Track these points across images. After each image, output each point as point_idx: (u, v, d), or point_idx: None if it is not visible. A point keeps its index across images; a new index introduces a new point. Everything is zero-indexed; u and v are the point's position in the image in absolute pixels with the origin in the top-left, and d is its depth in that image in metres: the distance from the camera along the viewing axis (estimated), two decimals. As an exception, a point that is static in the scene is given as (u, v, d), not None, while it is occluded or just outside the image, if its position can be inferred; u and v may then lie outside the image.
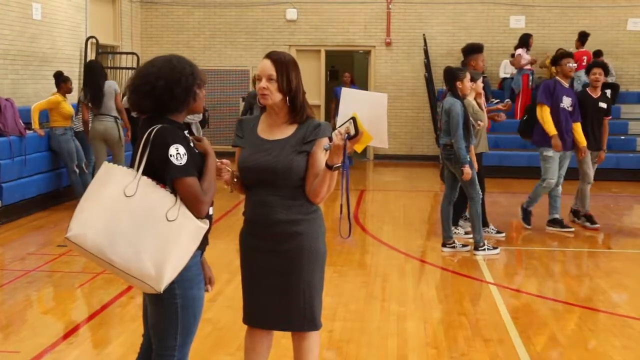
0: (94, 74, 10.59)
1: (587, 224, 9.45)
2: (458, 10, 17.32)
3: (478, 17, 17.29)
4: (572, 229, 9.27)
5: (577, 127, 9.13)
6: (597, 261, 8.14)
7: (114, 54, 16.05)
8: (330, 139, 3.64)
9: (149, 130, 3.18)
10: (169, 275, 3.10)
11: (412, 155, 17.38)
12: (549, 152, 8.98)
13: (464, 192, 8.15)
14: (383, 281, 7.08)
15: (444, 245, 8.23)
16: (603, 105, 9.46)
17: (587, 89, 9.68)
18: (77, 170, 10.59)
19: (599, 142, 9.43)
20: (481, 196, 8.11)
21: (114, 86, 10.72)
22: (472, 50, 9.30)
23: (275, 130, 3.74)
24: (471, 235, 8.28)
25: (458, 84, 7.93)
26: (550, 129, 8.91)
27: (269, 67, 3.69)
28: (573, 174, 9.52)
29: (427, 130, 17.12)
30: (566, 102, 9.05)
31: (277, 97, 3.68)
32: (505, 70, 16.31)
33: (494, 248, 8.15)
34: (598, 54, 16.26)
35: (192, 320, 3.34)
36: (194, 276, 3.33)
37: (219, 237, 9.04)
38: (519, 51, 15.31)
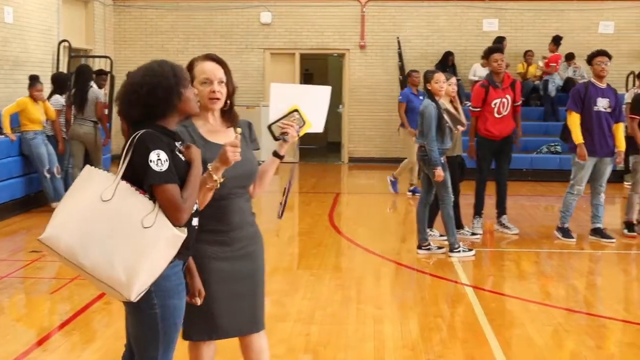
0: (81, 78, 10.78)
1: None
2: (432, 13, 17.41)
3: (452, 20, 17.38)
4: (614, 240, 8.93)
5: (618, 128, 8.75)
6: (571, 262, 8.19)
7: (86, 57, 15.92)
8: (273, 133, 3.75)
9: (133, 136, 3.12)
10: (141, 283, 3.01)
11: (387, 157, 17.37)
12: (582, 160, 8.68)
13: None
14: (359, 284, 7.07)
15: (419, 247, 8.25)
16: None
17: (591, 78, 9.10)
18: (49, 175, 10.50)
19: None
20: (453, 199, 8.13)
21: (97, 94, 10.87)
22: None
23: (222, 135, 3.62)
24: (446, 238, 8.30)
25: (428, 85, 8.00)
26: (577, 137, 8.60)
27: (218, 69, 3.59)
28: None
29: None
30: (602, 104, 8.67)
31: (223, 100, 3.60)
32: (476, 73, 16.39)
33: (469, 250, 8.17)
34: (570, 56, 16.44)
35: (172, 329, 3.27)
36: (174, 286, 3.23)
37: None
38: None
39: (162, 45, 17.65)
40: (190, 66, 3.59)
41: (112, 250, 3.00)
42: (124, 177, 3.09)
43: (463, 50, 17.14)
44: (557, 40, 16.28)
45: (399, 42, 17.09)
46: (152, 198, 3.09)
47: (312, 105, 3.86)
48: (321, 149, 20.12)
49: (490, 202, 9.40)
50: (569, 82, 16.37)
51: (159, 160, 3.08)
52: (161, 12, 17.70)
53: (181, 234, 3.10)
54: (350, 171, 16.85)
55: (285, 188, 4.13)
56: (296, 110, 3.75)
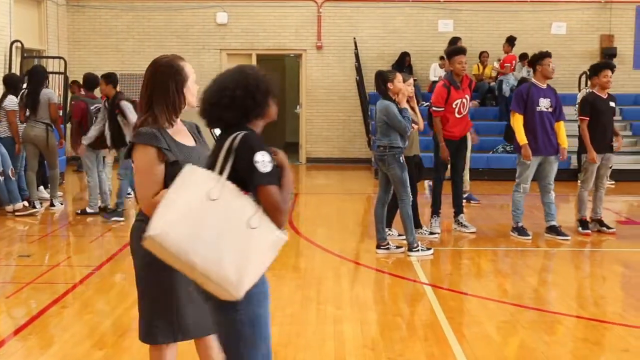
0: (34, 79, 10.64)
1: (603, 228, 9.43)
2: (388, 14, 17.50)
3: (407, 21, 17.50)
4: (569, 237, 9.05)
5: (559, 126, 8.93)
6: (527, 260, 8.29)
7: (39, 58, 15.70)
8: None
9: (233, 136, 3.15)
10: (249, 282, 3.05)
11: (344, 158, 17.47)
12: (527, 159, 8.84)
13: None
14: (318, 284, 7.08)
15: (378, 247, 8.29)
16: (612, 104, 9.31)
17: (594, 90, 9.37)
18: (1, 178, 10.31)
19: (611, 144, 9.25)
20: (412, 198, 8.20)
21: (50, 95, 10.68)
22: (539, 57, 9.02)
23: (184, 135, 3.66)
24: (404, 237, 8.35)
25: (389, 85, 8.02)
26: (521, 138, 8.73)
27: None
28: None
29: (359, 134, 17.23)
30: (544, 104, 8.85)
31: None
32: (435, 73, 16.54)
33: (428, 249, 8.24)
34: (524, 57, 16.64)
35: (257, 337, 3.26)
36: (259, 293, 3.22)
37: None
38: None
39: (116, 45, 17.48)
40: (179, 67, 3.62)
41: (221, 249, 3.00)
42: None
43: (419, 51, 17.27)
44: (511, 41, 16.50)
45: (355, 43, 17.14)
46: (255, 200, 3.10)
47: None
48: (279, 149, 20.09)
49: (447, 201, 9.49)
50: (523, 82, 16.59)
51: (263, 161, 3.10)
52: (116, 12, 17.52)
53: (284, 237, 3.13)
54: (309, 172, 16.86)
55: None
56: None
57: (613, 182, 13.94)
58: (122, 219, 9.99)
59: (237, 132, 3.17)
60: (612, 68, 9.35)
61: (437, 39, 16.92)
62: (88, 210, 10.44)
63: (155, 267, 3.42)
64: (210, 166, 3.17)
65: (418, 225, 8.93)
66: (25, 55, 14.60)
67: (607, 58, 17.23)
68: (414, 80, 9.95)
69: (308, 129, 17.88)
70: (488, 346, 5.41)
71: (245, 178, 3.09)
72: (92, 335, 5.55)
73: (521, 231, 9.12)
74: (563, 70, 17.12)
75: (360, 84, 16.72)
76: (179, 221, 3.01)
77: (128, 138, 10.27)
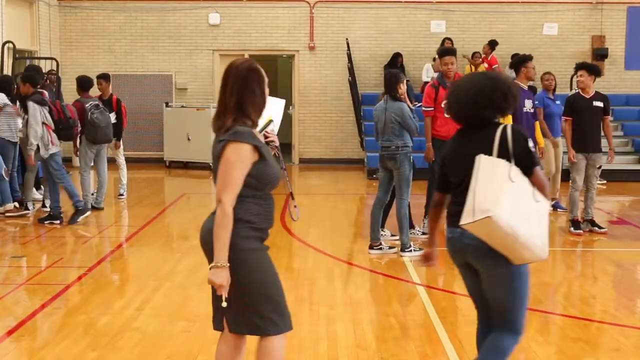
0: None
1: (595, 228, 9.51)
2: (380, 15, 17.53)
3: (400, 22, 17.52)
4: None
5: (536, 126, 9.34)
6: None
7: (32, 59, 15.66)
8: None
9: (502, 128, 3.88)
10: (547, 245, 3.83)
11: (337, 158, 17.48)
12: None
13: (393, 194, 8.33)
14: (312, 284, 7.09)
15: (371, 247, 8.31)
16: (598, 104, 9.31)
17: (578, 91, 9.49)
18: None
19: (598, 144, 9.35)
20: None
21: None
22: (522, 60, 9.38)
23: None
24: (398, 237, 8.37)
25: (399, 87, 8.18)
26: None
27: None
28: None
29: (352, 134, 17.24)
30: (528, 105, 9.23)
31: None
32: (428, 74, 16.55)
33: (420, 249, 8.25)
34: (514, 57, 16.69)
35: (526, 290, 3.95)
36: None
37: (145, 245, 8.93)
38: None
39: (109, 46, 17.45)
40: (262, 72, 3.93)
41: (528, 221, 3.73)
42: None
43: (411, 52, 17.30)
44: (492, 44, 16.47)
45: (348, 44, 17.16)
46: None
47: (277, 114, 4.41)
48: (271, 150, 20.10)
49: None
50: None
51: (533, 147, 3.90)
52: (108, 12, 17.49)
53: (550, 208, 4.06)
54: (301, 172, 16.87)
55: (290, 192, 4.80)
56: (272, 121, 4.21)
57: (604, 182, 14.01)
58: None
59: (503, 125, 3.92)
60: (587, 69, 9.38)
61: (430, 40, 16.97)
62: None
63: (264, 263, 3.82)
64: (482, 152, 3.84)
65: (411, 225, 8.95)
66: (17, 56, 14.56)
67: (598, 59, 17.33)
68: (407, 80, 9.99)
69: (301, 129, 17.89)
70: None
71: (520, 161, 3.80)
72: (86, 335, 5.55)
73: None
74: (554, 71, 17.15)
75: (352, 84, 16.73)
76: (504, 202, 3.68)
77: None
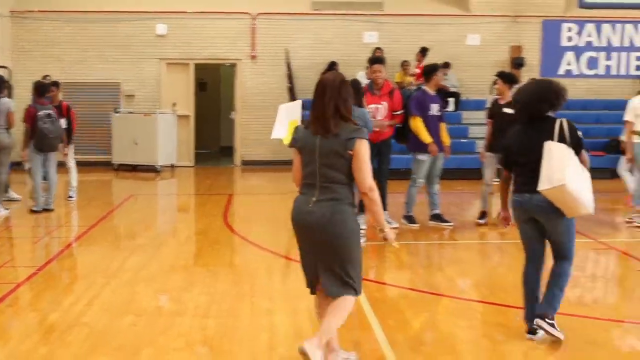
0: None
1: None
2: (318, 26, 17.58)
3: (336, 33, 17.59)
4: (452, 223, 9.63)
5: (443, 127, 9.61)
6: (444, 252, 8.46)
7: (-17, 67, 15.28)
8: None
9: (559, 121, 5.05)
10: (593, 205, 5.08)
11: (277, 160, 17.43)
12: (424, 157, 9.36)
13: None
14: (252, 279, 7.08)
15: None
16: (508, 110, 9.35)
17: (496, 98, 9.87)
18: None
19: None
20: None
21: (9, 104, 10.67)
22: (433, 70, 9.63)
23: None
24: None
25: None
26: (426, 137, 9.24)
27: None
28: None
29: (291, 137, 17.19)
30: (434, 109, 9.43)
31: None
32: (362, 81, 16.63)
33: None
34: (446, 65, 16.95)
35: (575, 234, 5.20)
36: None
37: (93, 244, 8.80)
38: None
39: (59, 56, 17.11)
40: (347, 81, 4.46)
41: (583, 186, 4.97)
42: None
43: (346, 60, 17.35)
44: (424, 51, 16.71)
45: (287, 53, 17.17)
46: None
47: (297, 115, 5.55)
48: (215, 153, 20.00)
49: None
50: (441, 90, 16.84)
51: (581, 134, 5.10)
52: (58, 23, 17.15)
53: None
54: (243, 174, 16.81)
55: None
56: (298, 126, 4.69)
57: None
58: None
59: (560, 119, 5.07)
60: (503, 77, 9.68)
61: (363, 49, 17.04)
62: (33, 209, 10.39)
63: (357, 235, 4.43)
64: (545, 140, 4.99)
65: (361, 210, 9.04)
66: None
67: (516, 67, 17.67)
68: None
69: (242, 133, 17.82)
70: (409, 332, 5.50)
71: (573, 145, 4.99)
72: (36, 332, 5.45)
73: (410, 219, 9.61)
74: (477, 78, 17.48)
75: (291, 91, 16.74)
76: (572, 175, 4.88)
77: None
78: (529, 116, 5.15)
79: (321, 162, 4.34)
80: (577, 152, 5.01)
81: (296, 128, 4.64)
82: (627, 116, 9.72)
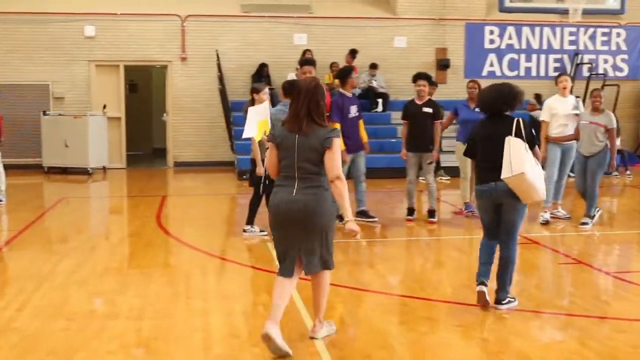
0: None
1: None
2: (246, 28, 17.51)
3: (265, 35, 17.56)
4: (376, 219, 9.80)
5: (361, 125, 9.74)
6: (375, 249, 8.53)
7: None
8: None
9: (516, 119, 5.84)
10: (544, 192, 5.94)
11: (209, 161, 17.33)
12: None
13: (259, 192, 8.62)
14: (187, 279, 7.01)
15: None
16: (428, 110, 9.84)
17: (414, 98, 10.05)
18: None
19: (428, 144, 9.82)
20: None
21: None
22: (348, 72, 9.73)
23: None
24: (266, 233, 8.40)
25: (255, 95, 8.32)
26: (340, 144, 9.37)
27: None
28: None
29: (223, 139, 17.14)
30: (353, 110, 9.51)
31: None
32: (291, 82, 16.64)
33: None
34: (373, 66, 17.14)
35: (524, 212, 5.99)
36: None
37: (24, 248, 8.57)
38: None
39: (-16, 57, 16.59)
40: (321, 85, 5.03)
41: (537, 177, 5.73)
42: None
43: (276, 62, 17.36)
44: (353, 53, 16.86)
45: (217, 55, 17.05)
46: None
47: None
48: (147, 154, 19.72)
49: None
50: (369, 90, 17.04)
51: (533, 130, 5.94)
52: (-17, 24, 16.62)
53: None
54: (176, 175, 16.61)
55: None
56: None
57: (449, 178, 14.58)
58: None
59: (515, 117, 5.87)
60: (424, 78, 10.02)
61: (293, 51, 17.08)
62: None
63: (334, 217, 5.08)
64: (506, 135, 5.74)
65: (252, 222, 9.03)
66: None
67: (442, 69, 18.00)
68: (272, 89, 10.16)
69: (175, 135, 17.61)
70: (342, 329, 5.53)
71: (527, 140, 5.75)
72: (-35, 338, 5.27)
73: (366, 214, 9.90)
74: (405, 79, 17.64)
75: (222, 92, 16.63)
76: (525, 166, 5.63)
77: None
78: (491, 114, 5.96)
79: (300, 157, 4.87)
80: (531, 147, 5.77)
81: (274, 126, 5.35)
82: (543, 116, 9.99)
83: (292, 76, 16.90)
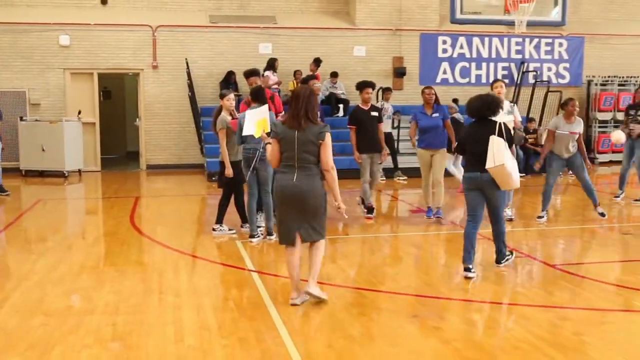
0: None
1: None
2: (215, 38, 17.45)
3: (232, 44, 17.52)
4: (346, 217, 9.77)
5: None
6: (337, 246, 8.58)
7: None
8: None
9: (498, 123, 6.70)
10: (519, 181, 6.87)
11: (180, 164, 17.24)
12: None
13: (228, 192, 8.65)
14: (159, 276, 6.99)
15: (251, 236, 8.50)
16: (375, 114, 10.04)
17: (358, 104, 10.15)
18: None
19: (377, 145, 10.03)
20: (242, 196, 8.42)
21: None
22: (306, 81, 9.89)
23: None
24: (234, 232, 8.39)
25: (220, 101, 8.46)
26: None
27: None
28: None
29: (193, 143, 17.08)
30: None
31: None
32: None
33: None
34: (334, 74, 17.20)
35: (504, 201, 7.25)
36: None
37: (2, 248, 8.45)
38: (267, 73, 15.69)
39: (-37, 65, 16.28)
40: (314, 91, 6.05)
41: (514, 168, 6.63)
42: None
43: (243, 70, 17.04)
44: (317, 62, 16.94)
45: (187, 63, 16.97)
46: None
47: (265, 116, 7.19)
48: (121, 158, 19.54)
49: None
50: (331, 96, 17.12)
51: (512, 131, 7.22)
52: (-39, 34, 16.32)
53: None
54: (148, 177, 16.49)
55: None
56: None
57: (405, 178, 14.68)
58: None
59: (499, 122, 6.68)
60: (372, 86, 10.15)
61: (259, 60, 17.06)
62: None
63: (325, 198, 5.83)
64: (490, 135, 6.63)
65: (220, 221, 8.97)
66: None
67: (398, 76, 18.14)
68: (238, 96, 10.20)
69: (147, 139, 17.48)
70: (306, 321, 5.57)
71: (507, 139, 6.64)
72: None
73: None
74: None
75: (192, 99, 16.56)
76: (508, 159, 6.54)
77: None
78: (478, 118, 6.83)
79: (300, 149, 5.64)
80: (510, 146, 6.74)
81: (275, 124, 5.98)
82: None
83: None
